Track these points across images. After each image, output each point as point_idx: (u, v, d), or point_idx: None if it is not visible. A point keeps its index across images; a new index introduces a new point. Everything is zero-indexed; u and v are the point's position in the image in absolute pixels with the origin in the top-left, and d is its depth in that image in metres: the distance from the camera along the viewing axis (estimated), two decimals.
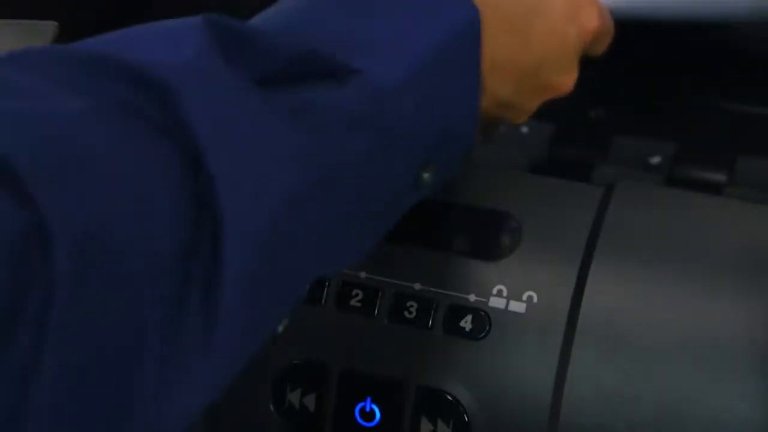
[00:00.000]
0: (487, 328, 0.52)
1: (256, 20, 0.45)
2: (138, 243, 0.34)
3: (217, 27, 0.39)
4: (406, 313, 0.52)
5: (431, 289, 0.52)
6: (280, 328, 0.45)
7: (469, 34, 0.48)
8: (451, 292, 0.52)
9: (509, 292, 0.52)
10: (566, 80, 0.55)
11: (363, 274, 0.53)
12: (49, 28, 0.63)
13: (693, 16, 0.60)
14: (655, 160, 0.65)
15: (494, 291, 0.52)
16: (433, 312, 0.52)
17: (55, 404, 0.33)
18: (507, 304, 0.51)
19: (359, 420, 0.53)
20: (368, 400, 0.53)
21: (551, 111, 0.58)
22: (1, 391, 0.32)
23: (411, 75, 0.45)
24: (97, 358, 0.34)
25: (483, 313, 0.52)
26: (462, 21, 0.47)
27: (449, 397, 0.52)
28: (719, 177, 0.66)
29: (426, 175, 0.47)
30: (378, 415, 0.53)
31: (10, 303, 0.32)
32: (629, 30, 0.61)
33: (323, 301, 0.53)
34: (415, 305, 0.52)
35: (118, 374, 0.35)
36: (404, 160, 0.46)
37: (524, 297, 0.51)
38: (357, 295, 0.53)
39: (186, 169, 0.36)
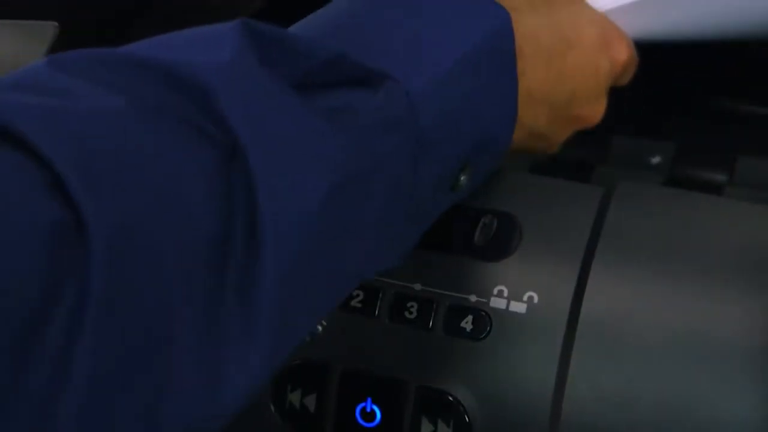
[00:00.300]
0: (488, 328, 0.52)
1: (291, 28, 0.46)
2: (171, 237, 0.35)
3: (253, 30, 0.40)
4: (406, 314, 0.52)
5: (432, 289, 0.52)
6: (319, 328, 0.45)
7: (501, 42, 0.48)
8: (451, 293, 0.52)
9: (510, 293, 0.52)
10: (596, 111, 0.57)
11: None
12: (49, 28, 0.63)
13: (714, 37, 0.61)
14: (656, 160, 0.65)
15: (495, 291, 0.52)
16: (433, 312, 0.52)
17: (88, 396, 0.33)
18: (508, 305, 0.51)
19: (360, 420, 0.53)
20: (369, 400, 0.53)
21: None
22: (35, 380, 0.32)
23: (442, 82, 0.45)
24: (131, 350, 0.34)
25: (484, 314, 0.52)
26: (494, 29, 0.48)
27: (450, 398, 0.52)
28: (719, 177, 0.66)
29: (462, 178, 0.48)
30: (378, 415, 0.53)
31: (46, 293, 0.32)
32: None
33: None
34: (416, 305, 0.52)
35: (151, 366, 0.35)
36: (442, 163, 0.46)
37: (525, 297, 0.51)
38: (358, 295, 0.53)
39: (221, 167, 0.37)
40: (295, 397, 0.54)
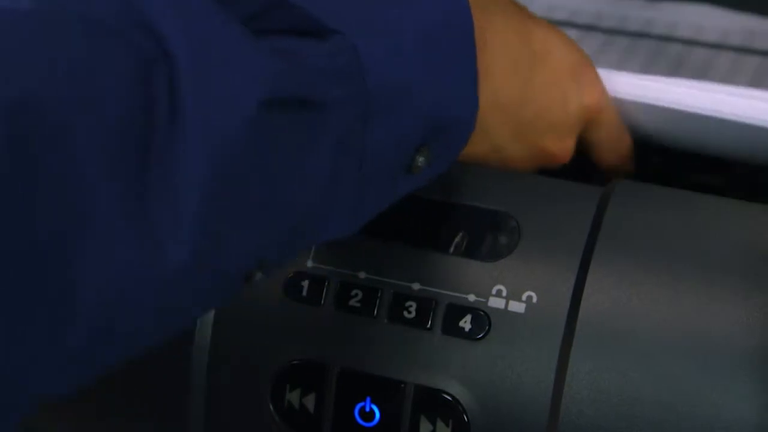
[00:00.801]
0: (487, 328, 0.52)
1: None
2: (79, 116, 0.35)
3: None
4: (405, 313, 0.52)
5: (430, 289, 0.52)
6: (258, 275, 0.44)
7: (458, 20, 0.48)
8: (450, 292, 0.52)
9: (508, 292, 0.52)
10: (563, 148, 0.56)
11: (362, 274, 0.53)
12: None
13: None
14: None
15: (493, 291, 0.52)
16: (432, 312, 0.52)
17: None
18: (506, 305, 0.51)
19: (359, 420, 0.53)
20: (368, 400, 0.53)
21: None
22: None
23: (395, 50, 0.45)
24: (42, 224, 0.34)
25: (482, 313, 0.52)
26: (450, 7, 0.47)
27: (448, 397, 0.52)
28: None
29: (420, 159, 0.47)
30: (377, 415, 0.53)
31: None
32: None
33: (322, 302, 0.53)
34: (414, 305, 0.52)
35: (67, 240, 0.35)
36: (395, 133, 0.46)
37: (524, 297, 0.51)
38: (356, 295, 0.53)
39: (140, 68, 0.37)
40: (293, 397, 0.54)
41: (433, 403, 0.52)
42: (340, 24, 0.44)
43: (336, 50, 0.43)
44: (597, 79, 0.57)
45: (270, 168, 0.41)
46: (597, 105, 0.57)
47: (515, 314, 0.51)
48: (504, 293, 0.52)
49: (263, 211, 0.42)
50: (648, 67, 0.74)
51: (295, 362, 0.54)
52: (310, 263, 0.54)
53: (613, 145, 0.59)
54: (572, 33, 0.78)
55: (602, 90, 0.57)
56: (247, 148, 0.39)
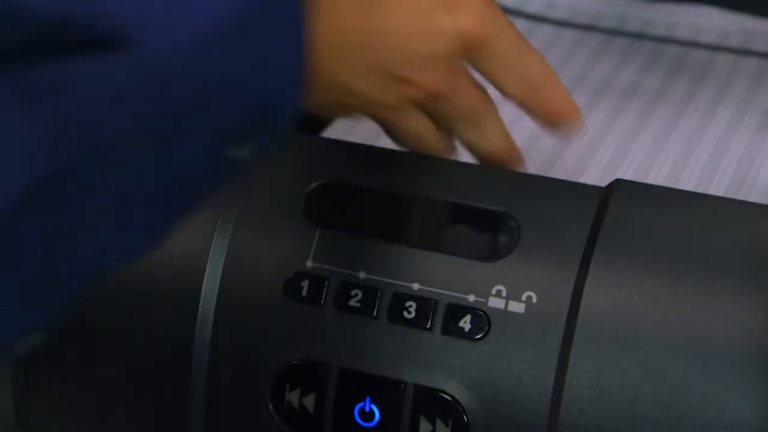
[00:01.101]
0: (487, 328, 0.52)
1: None
2: None
3: None
4: (405, 314, 0.52)
5: (430, 289, 0.52)
6: (26, 343, 0.41)
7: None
8: (450, 292, 0.52)
9: (508, 293, 0.52)
10: (430, 79, 0.52)
11: (362, 274, 0.53)
12: None
13: None
14: None
15: (493, 291, 0.52)
16: (432, 312, 0.52)
17: None
18: (506, 305, 0.51)
19: (358, 420, 0.53)
20: (367, 400, 0.53)
21: None
22: None
23: (203, 43, 0.40)
24: None
25: (482, 314, 0.52)
26: None
27: (448, 398, 0.52)
28: None
29: (240, 151, 0.44)
30: (377, 415, 0.53)
31: None
32: None
33: (322, 302, 0.53)
34: (414, 305, 0.52)
35: None
36: (206, 135, 0.42)
37: (523, 297, 0.51)
38: (356, 295, 0.53)
39: None
40: (293, 397, 0.54)
41: (433, 403, 0.52)
42: (140, 31, 0.39)
43: (127, 67, 0.39)
44: (479, 5, 0.52)
45: (40, 251, 0.38)
46: (478, 31, 0.52)
47: (515, 314, 0.51)
48: (504, 293, 0.52)
49: (31, 295, 0.38)
50: (648, 67, 0.74)
51: (294, 362, 0.54)
52: (309, 263, 0.54)
53: (514, 73, 0.54)
54: (571, 33, 0.78)
55: (487, 14, 0.52)
56: (6, 247, 0.36)
